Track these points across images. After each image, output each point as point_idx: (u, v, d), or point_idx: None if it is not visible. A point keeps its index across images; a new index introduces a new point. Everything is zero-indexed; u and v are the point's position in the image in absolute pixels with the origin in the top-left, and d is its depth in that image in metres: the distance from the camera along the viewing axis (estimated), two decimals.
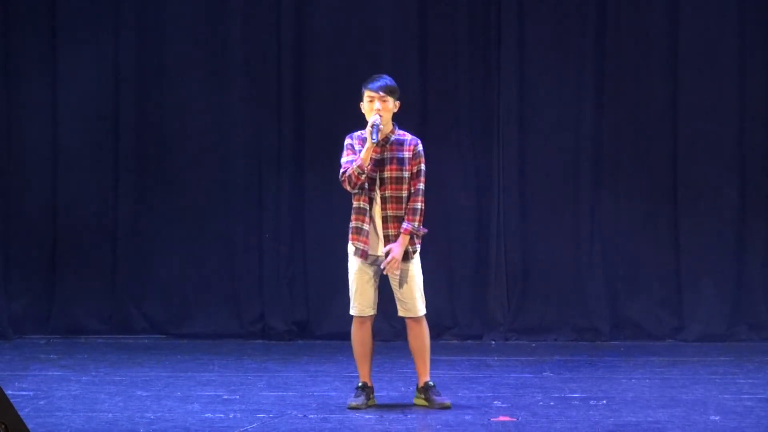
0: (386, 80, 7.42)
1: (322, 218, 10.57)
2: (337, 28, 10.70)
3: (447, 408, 7.43)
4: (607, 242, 10.61)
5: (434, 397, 7.50)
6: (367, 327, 7.48)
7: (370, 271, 7.43)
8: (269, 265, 10.71)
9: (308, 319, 10.69)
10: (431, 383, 7.51)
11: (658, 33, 10.60)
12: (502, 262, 10.60)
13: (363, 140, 7.38)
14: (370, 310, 7.45)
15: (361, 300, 7.43)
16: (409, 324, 7.55)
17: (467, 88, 10.67)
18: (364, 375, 7.51)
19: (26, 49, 10.76)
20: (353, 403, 7.42)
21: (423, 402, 7.52)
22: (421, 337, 7.53)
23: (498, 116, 10.62)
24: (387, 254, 7.33)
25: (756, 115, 10.58)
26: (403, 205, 7.38)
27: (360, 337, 7.49)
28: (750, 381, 8.43)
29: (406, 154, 7.41)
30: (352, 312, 7.49)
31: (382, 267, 7.37)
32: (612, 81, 10.61)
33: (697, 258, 10.55)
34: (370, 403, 7.47)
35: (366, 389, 7.48)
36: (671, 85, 10.57)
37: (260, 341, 10.57)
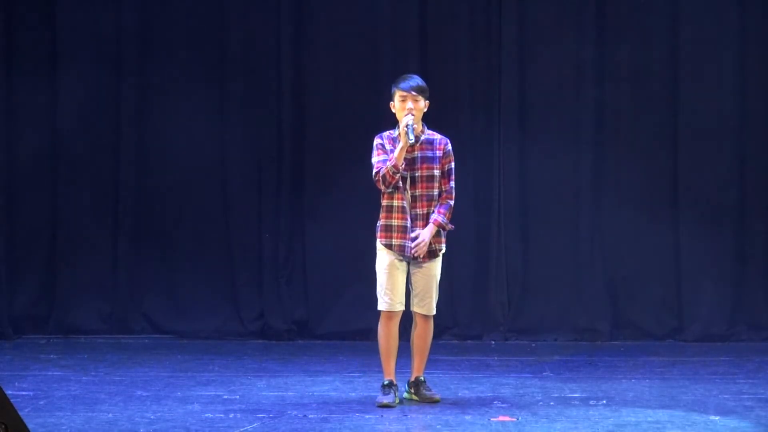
0: (417, 80, 7.50)
1: (322, 218, 10.58)
2: (338, 28, 10.69)
3: (435, 402, 7.49)
4: (607, 242, 10.61)
5: (424, 391, 7.58)
6: (395, 323, 7.50)
7: (400, 266, 7.47)
8: (269, 265, 10.72)
9: (308, 319, 10.70)
10: (422, 378, 7.60)
11: (658, 34, 10.60)
12: (503, 262, 10.61)
13: (393, 140, 7.46)
14: (400, 305, 7.48)
15: (392, 294, 7.45)
16: (418, 320, 7.59)
17: (468, 88, 10.68)
18: (389, 372, 7.50)
19: (27, 50, 10.78)
20: (385, 401, 7.39)
21: (413, 396, 7.59)
22: (425, 336, 7.60)
23: (499, 116, 10.62)
24: (414, 240, 7.39)
25: (756, 115, 10.57)
26: (434, 203, 7.47)
27: (387, 333, 7.49)
28: (750, 381, 8.42)
29: (437, 153, 7.49)
30: (381, 307, 7.48)
31: (411, 253, 7.40)
32: (612, 81, 10.62)
33: (697, 258, 10.55)
34: (396, 402, 7.45)
35: (393, 387, 7.47)
36: (671, 85, 10.57)
37: (260, 341, 10.58)
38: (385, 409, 7.31)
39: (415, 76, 7.54)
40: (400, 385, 7.57)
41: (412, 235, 7.42)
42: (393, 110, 7.52)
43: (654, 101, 10.61)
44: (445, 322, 10.48)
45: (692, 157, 10.56)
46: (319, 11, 10.71)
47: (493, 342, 10.52)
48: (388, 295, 7.45)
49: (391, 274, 7.46)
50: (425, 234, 7.41)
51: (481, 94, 10.66)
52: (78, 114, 10.75)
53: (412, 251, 7.42)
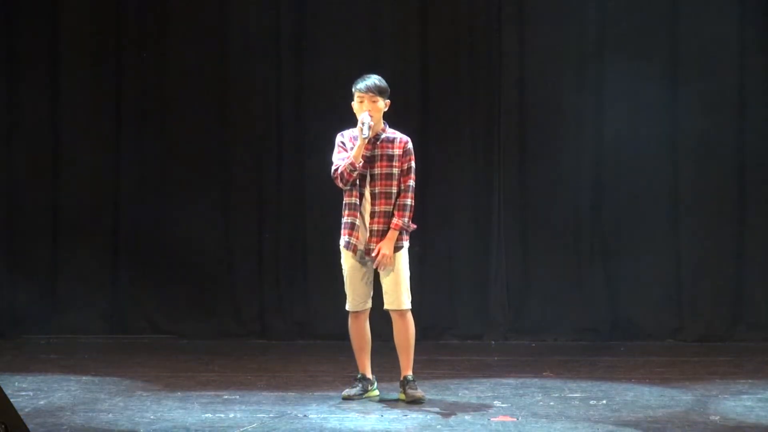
0: (375, 81, 7.54)
1: (322, 218, 10.57)
2: (338, 29, 10.70)
3: (419, 400, 7.48)
4: (607, 242, 10.60)
5: (409, 390, 7.58)
6: (362, 320, 7.64)
7: (362, 267, 7.56)
8: (269, 264, 10.72)
9: (308, 319, 10.70)
10: (410, 377, 7.60)
11: (658, 34, 10.60)
12: (503, 262, 10.60)
13: (354, 138, 7.55)
14: (363, 305, 7.61)
15: (354, 295, 7.60)
16: (394, 318, 7.63)
17: (468, 88, 10.68)
18: (361, 367, 7.68)
19: (28, 46, 10.79)
20: (346, 393, 7.61)
21: (402, 396, 7.60)
22: (404, 332, 7.61)
23: (499, 113, 10.63)
24: (376, 253, 7.45)
25: (756, 115, 10.57)
26: (392, 201, 7.52)
27: (356, 331, 7.67)
28: (750, 381, 8.42)
29: (396, 151, 7.53)
30: (347, 307, 7.65)
31: (374, 265, 7.50)
32: (612, 81, 10.61)
33: (697, 258, 10.55)
34: (371, 394, 7.62)
35: (364, 381, 7.64)
36: (671, 84, 10.57)
37: (260, 341, 10.58)
38: (347, 401, 7.54)
39: (374, 76, 7.56)
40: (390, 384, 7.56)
41: (372, 247, 7.46)
42: (354, 110, 7.57)
43: (653, 101, 10.60)
44: (445, 322, 10.49)
45: (692, 156, 10.56)
46: (319, 16, 10.71)
47: (493, 342, 10.52)
48: (352, 296, 7.62)
49: (351, 276, 7.59)
50: (386, 246, 7.45)
51: (483, 92, 10.65)
52: (80, 114, 10.76)
53: (376, 266, 7.49)
